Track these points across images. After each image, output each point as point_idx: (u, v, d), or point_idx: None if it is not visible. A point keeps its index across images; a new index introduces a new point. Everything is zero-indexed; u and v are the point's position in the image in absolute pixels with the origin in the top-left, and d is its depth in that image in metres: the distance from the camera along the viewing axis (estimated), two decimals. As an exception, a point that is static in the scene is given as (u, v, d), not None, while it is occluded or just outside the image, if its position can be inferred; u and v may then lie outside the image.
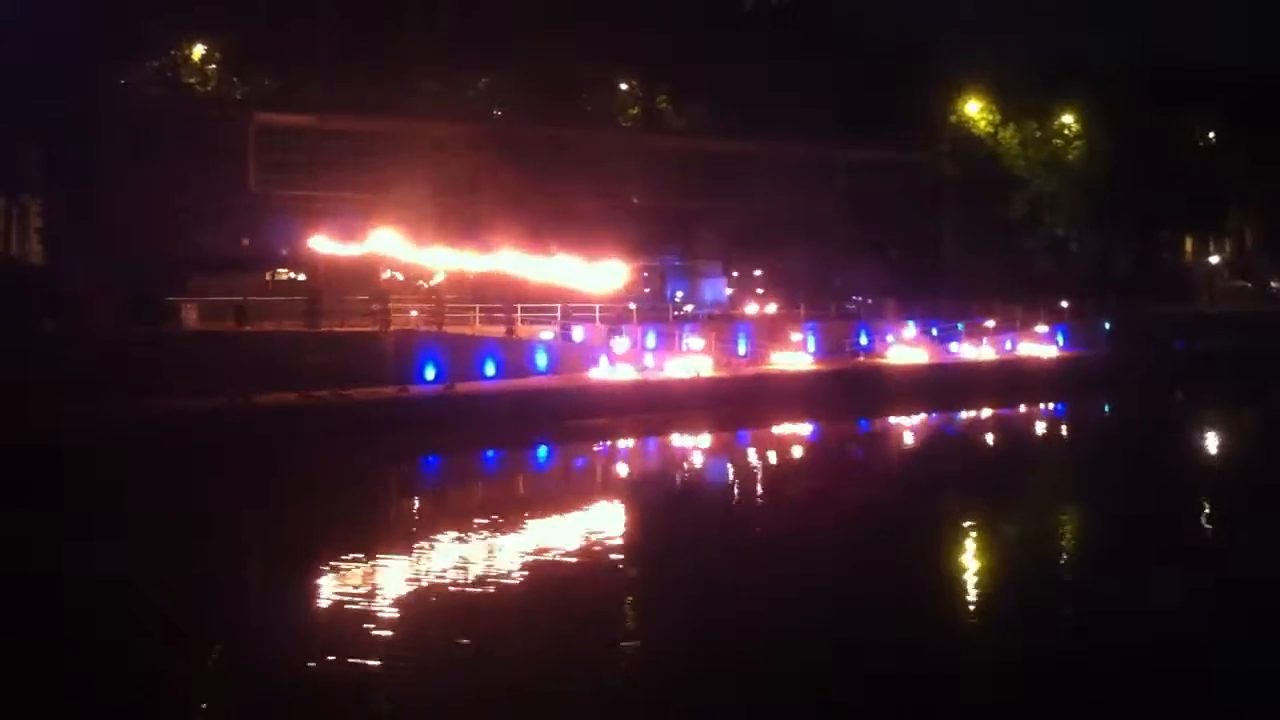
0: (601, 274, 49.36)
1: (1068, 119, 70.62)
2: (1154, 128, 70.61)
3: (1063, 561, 23.93)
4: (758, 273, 61.05)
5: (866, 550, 23.32)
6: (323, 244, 46.02)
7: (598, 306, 48.84)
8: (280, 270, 52.57)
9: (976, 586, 21.23)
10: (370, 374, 39.38)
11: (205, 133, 47.88)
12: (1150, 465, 35.30)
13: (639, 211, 57.34)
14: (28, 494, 26.65)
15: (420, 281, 47.81)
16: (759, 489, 32.62)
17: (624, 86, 62.82)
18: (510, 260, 48.12)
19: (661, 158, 60.42)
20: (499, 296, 47.14)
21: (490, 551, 23.24)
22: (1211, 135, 78.30)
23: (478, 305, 46.85)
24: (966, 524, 25.98)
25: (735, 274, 60.61)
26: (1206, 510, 28.88)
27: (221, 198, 49.19)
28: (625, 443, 39.05)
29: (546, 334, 46.90)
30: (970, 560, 23.27)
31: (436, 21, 56.26)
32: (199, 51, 52.19)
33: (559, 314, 47.77)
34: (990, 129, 68.75)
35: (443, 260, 47.72)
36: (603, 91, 61.83)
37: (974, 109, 69.06)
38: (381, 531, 25.79)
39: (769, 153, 62.79)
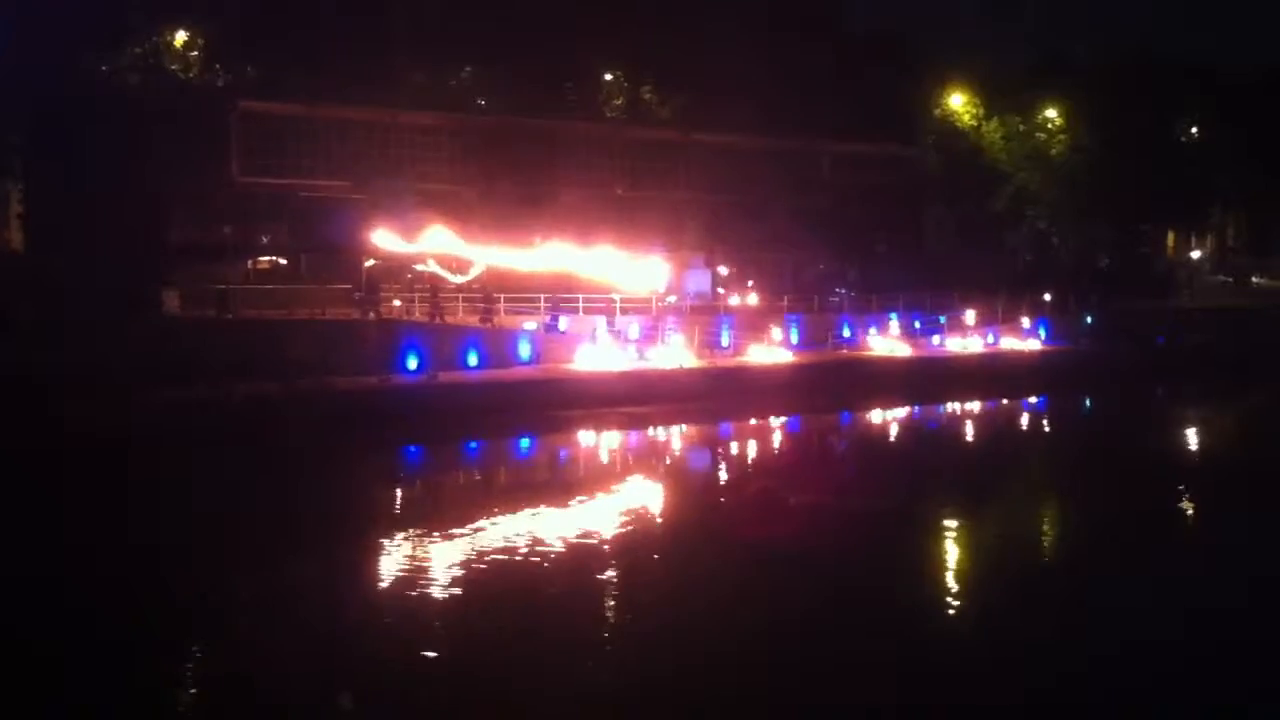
0: (642, 270, 50.21)
1: (1051, 113, 70.76)
2: (1137, 123, 70.79)
3: (1051, 560, 24.08)
4: (741, 265, 61.02)
5: (854, 548, 23.41)
6: (385, 238, 46.51)
7: (580, 298, 48.92)
8: (263, 258, 52.52)
9: (979, 590, 21.16)
10: (352, 364, 39.37)
11: (188, 120, 47.62)
12: (1130, 461, 35.55)
13: (623, 202, 57.32)
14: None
15: (449, 273, 47.83)
16: (743, 482, 32.63)
17: (609, 77, 62.73)
18: (549, 256, 48.57)
19: (646, 149, 60.42)
20: (539, 290, 47.93)
21: (462, 547, 23.35)
22: (1195, 131, 78.56)
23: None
24: (963, 523, 26.11)
25: (719, 266, 60.60)
26: (1185, 504, 29.14)
27: (204, 185, 49.02)
28: (604, 435, 39.03)
29: (564, 323, 47.15)
30: (970, 562, 23.22)
31: (422, 11, 56.08)
32: (182, 38, 51.91)
33: (541, 305, 47.99)
34: (974, 123, 68.86)
35: (481, 254, 47.91)
36: (587, 82, 61.74)
37: (957, 102, 69.16)
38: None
39: (754, 145, 62.84)
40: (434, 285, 46.68)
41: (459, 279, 47.31)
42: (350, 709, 15.11)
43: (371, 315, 44.18)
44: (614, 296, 49.73)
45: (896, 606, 19.32)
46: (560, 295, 48.24)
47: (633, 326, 48.68)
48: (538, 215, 51.74)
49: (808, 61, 61.15)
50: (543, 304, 48.02)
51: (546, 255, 48.77)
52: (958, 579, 21.81)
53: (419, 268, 47.36)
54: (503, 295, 47.34)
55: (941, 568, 22.55)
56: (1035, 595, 20.16)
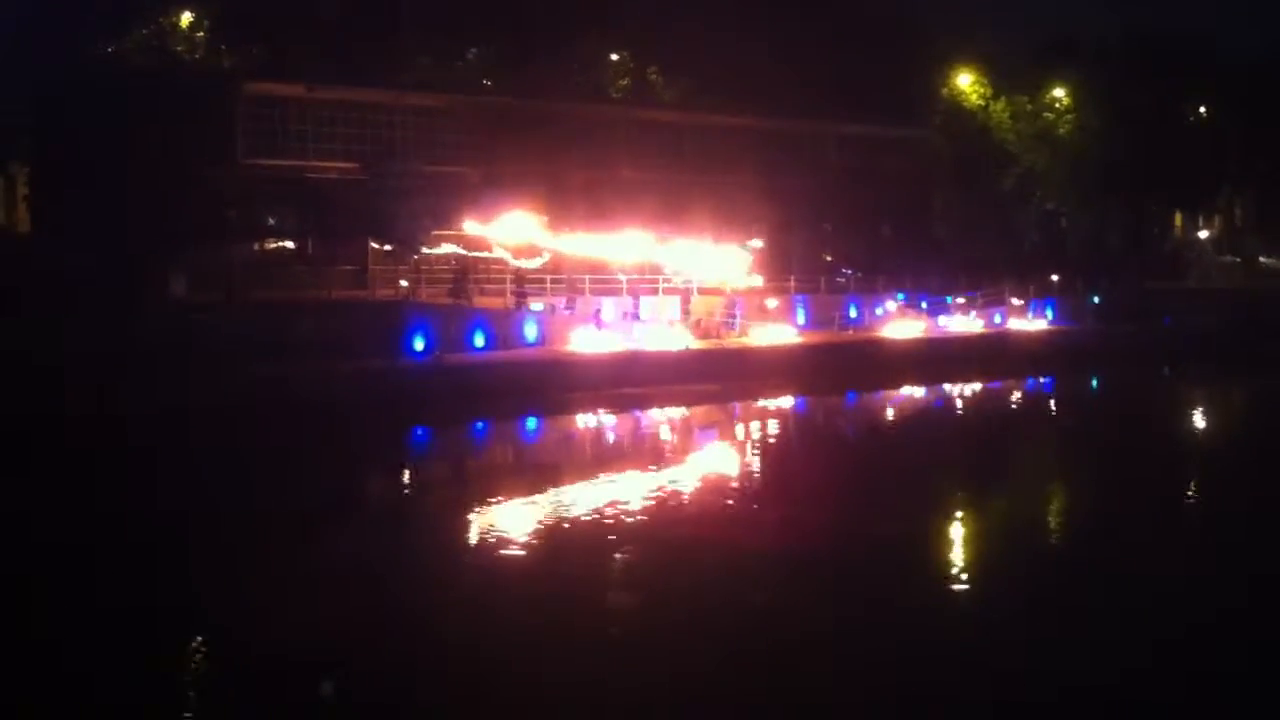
0: (722, 259, 51.50)
1: (1059, 93, 70.44)
2: (1146, 103, 70.49)
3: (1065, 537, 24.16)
4: (748, 245, 60.83)
5: (867, 533, 23.30)
6: (472, 225, 47.74)
7: (588, 279, 48.88)
8: (269, 241, 52.42)
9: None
10: (359, 345, 39.42)
11: (193, 102, 47.42)
12: (1137, 441, 35.54)
13: (628, 184, 57.10)
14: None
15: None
16: (762, 461, 32.54)
17: (614, 58, 62.51)
18: (622, 244, 49.63)
19: (652, 131, 60.18)
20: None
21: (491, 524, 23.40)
22: (1203, 111, 78.20)
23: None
24: (984, 502, 26.29)
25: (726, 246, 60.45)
26: (1186, 485, 29.15)
27: (209, 167, 48.84)
28: (613, 416, 39.01)
29: (537, 305, 47.13)
30: (1002, 541, 23.18)
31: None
32: (187, 19, 51.74)
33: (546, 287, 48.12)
34: (981, 103, 68.53)
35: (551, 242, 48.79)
36: (594, 64, 61.50)
37: (965, 82, 68.82)
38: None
39: (761, 126, 62.58)
40: (519, 274, 47.56)
41: (527, 265, 47.99)
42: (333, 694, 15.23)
43: (463, 301, 45.11)
44: (621, 278, 49.78)
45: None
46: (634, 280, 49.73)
47: (640, 308, 48.80)
48: (543, 197, 51.59)
49: (814, 42, 60.85)
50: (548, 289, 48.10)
51: (619, 243, 49.46)
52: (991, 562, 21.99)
53: (484, 254, 48.25)
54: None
55: (957, 553, 22.64)
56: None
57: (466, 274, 46.49)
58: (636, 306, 48.95)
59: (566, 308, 47.81)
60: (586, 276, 49.19)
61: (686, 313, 50.15)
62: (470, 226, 47.63)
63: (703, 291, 51.80)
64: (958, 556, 21.95)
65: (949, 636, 16.92)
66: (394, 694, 14.78)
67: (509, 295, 47.08)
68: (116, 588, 19.09)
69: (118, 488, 26.19)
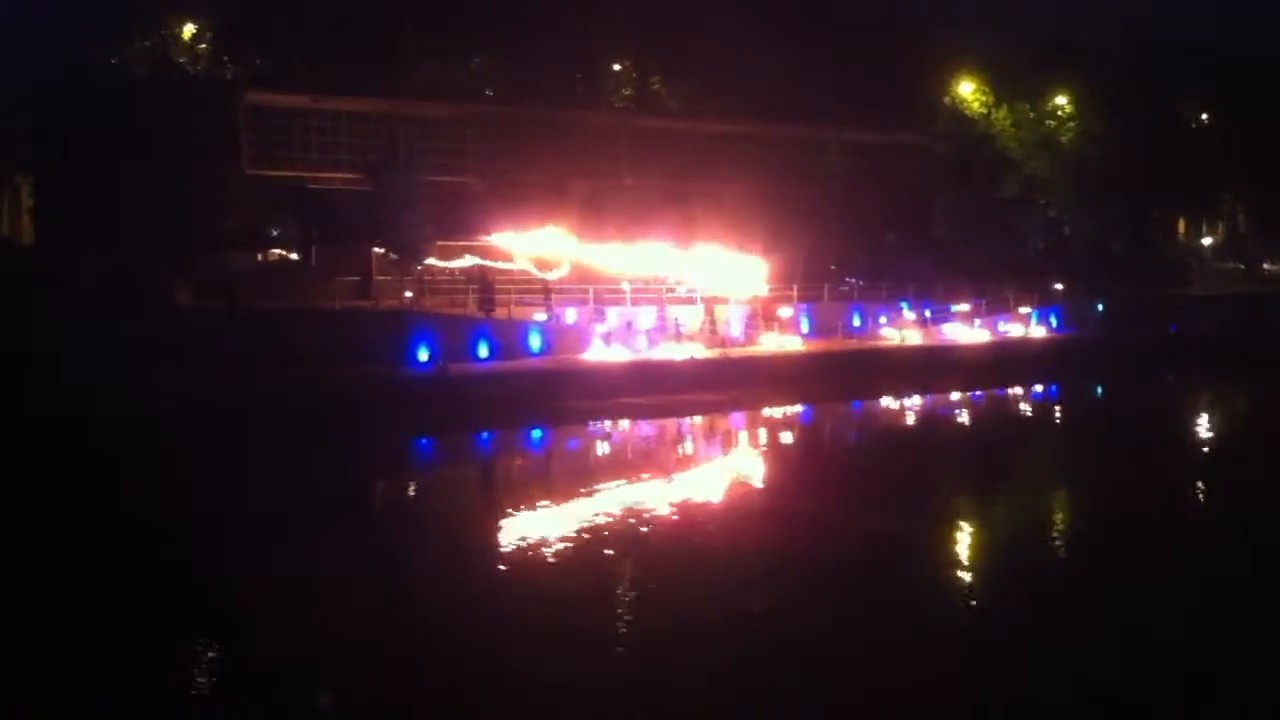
0: (740, 272, 51.42)
1: (1061, 100, 70.43)
2: (1148, 109, 70.45)
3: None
4: (752, 253, 60.86)
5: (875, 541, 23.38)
6: (500, 237, 48.60)
7: (591, 290, 48.92)
8: (272, 250, 52.57)
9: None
10: (363, 354, 39.49)
11: (197, 112, 47.61)
12: (1140, 446, 35.50)
13: (631, 192, 57.22)
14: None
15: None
16: (768, 469, 32.47)
17: (617, 67, 62.63)
18: (642, 255, 49.96)
19: (654, 139, 60.28)
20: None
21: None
22: (1205, 117, 78.15)
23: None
24: (987, 508, 26.41)
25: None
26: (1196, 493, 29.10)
27: (213, 177, 49.00)
28: (620, 425, 38.95)
29: (539, 315, 47.20)
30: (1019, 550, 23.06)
31: (432, 1, 56.04)
32: (189, 31, 51.93)
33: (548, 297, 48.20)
34: (984, 110, 68.52)
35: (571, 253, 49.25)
36: (596, 72, 61.66)
37: (967, 90, 68.83)
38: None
39: (763, 133, 62.69)
40: (546, 286, 48.16)
41: (550, 276, 48.49)
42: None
43: (486, 313, 45.41)
44: (625, 287, 49.81)
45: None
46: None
47: (643, 317, 48.82)
48: (546, 206, 51.71)
49: (816, 48, 60.93)
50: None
51: (638, 255, 49.77)
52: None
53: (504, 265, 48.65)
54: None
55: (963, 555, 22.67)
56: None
57: (491, 286, 46.56)
58: (661, 318, 48.93)
59: (593, 319, 47.98)
60: (590, 287, 49.19)
61: (712, 323, 50.09)
62: (498, 239, 48.09)
63: (708, 300, 51.81)
64: (960, 560, 21.97)
65: (951, 638, 16.98)
66: (394, 696, 14.79)
67: (513, 306, 47.13)
68: (117, 589, 19.14)
69: (120, 491, 26.27)
